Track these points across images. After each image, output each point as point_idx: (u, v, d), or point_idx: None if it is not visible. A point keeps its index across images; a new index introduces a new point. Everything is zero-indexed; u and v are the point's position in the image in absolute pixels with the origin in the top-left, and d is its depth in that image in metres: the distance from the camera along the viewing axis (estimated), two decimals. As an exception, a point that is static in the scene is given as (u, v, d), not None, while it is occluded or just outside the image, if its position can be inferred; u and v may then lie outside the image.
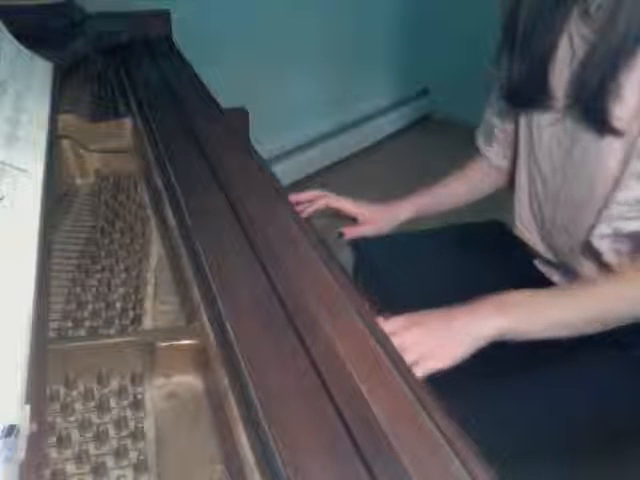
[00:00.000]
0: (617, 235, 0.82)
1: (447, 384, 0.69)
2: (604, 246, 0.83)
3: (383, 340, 0.52)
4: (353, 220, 1.05)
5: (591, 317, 0.76)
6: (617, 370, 0.83)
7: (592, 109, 0.80)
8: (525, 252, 1.02)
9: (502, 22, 0.92)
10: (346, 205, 1.03)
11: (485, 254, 1.07)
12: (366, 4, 2.93)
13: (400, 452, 0.40)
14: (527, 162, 0.98)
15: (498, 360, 0.72)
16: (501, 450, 0.51)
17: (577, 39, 0.84)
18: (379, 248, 1.09)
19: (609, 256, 0.83)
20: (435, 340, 0.68)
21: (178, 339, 0.54)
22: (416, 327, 0.68)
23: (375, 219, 1.05)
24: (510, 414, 0.77)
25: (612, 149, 0.80)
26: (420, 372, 0.65)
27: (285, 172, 2.47)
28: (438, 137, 3.18)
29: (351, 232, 1.04)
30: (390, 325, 0.67)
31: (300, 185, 2.65)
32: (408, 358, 0.65)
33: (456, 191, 1.10)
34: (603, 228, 0.82)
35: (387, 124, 3.27)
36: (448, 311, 0.72)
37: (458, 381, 0.70)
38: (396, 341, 0.64)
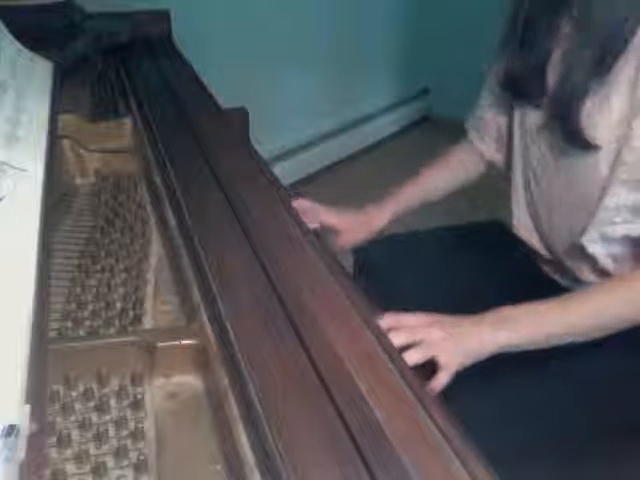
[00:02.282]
0: (606, 240, 0.82)
1: (447, 384, 0.70)
2: (598, 251, 0.83)
3: (383, 340, 0.52)
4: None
5: (591, 326, 0.76)
6: (616, 369, 0.83)
7: (569, 128, 0.81)
8: (526, 252, 1.02)
9: (507, 21, 0.92)
10: (324, 219, 0.99)
11: (486, 254, 1.07)
12: (366, 4, 2.93)
13: (400, 452, 0.40)
14: (522, 164, 0.98)
15: (498, 360, 0.73)
16: (501, 450, 0.51)
17: (567, 42, 0.84)
18: (379, 248, 1.08)
19: (605, 261, 0.83)
20: (452, 345, 0.70)
21: (178, 339, 0.54)
22: (438, 328, 0.70)
23: (351, 229, 1.02)
24: (510, 414, 0.77)
25: (602, 155, 0.80)
26: (447, 376, 0.69)
27: (285, 172, 2.46)
28: (438, 137, 3.16)
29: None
30: (414, 320, 0.70)
31: (300, 185, 2.65)
32: (426, 353, 0.68)
33: (437, 181, 1.10)
34: (592, 233, 0.83)
35: (387, 124, 3.27)
36: (456, 320, 0.73)
37: (458, 381, 0.70)
38: (419, 335, 0.68)
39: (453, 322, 0.73)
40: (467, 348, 0.71)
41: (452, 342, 0.70)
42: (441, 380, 0.69)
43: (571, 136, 0.81)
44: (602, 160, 0.80)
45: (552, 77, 0.87)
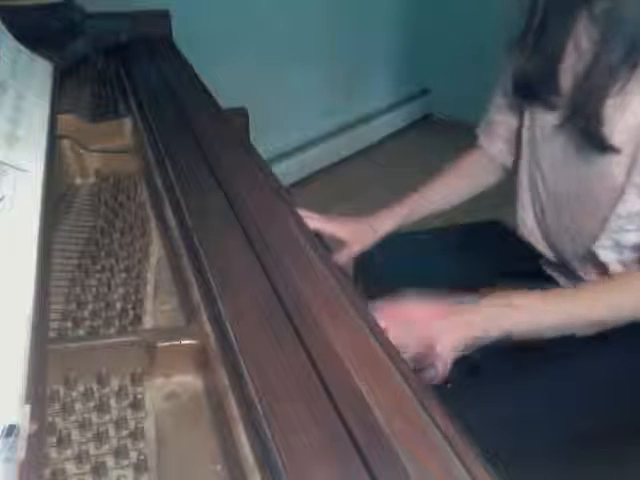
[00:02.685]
0: (618, 247, 0.81)
1: (448, 385, 0.70)
2: (609, 258, 0.82)
3: (383, 339, 0.52)
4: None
5: (593, 318, 0.76)
6: (616, 369, 0.83)
7: (589, 128, 0.79)
8: (528, 252, 1.02)
9: (523, 20, 0.92)
10: (324, 227, 0.95)
11: (487, 254, 1.06)
12: (366, 4, 2.93)
13: (400, 452, 0.40)
14: (529, 166, 0.97)
15: (498, 360, 0.72)
16: (501, 450, 0.51)
17: (585, 41, 0.83)
18: (379, 248, 1.08)
19: (615, 267, 0.83)
20: (451, 335, 0.69)
21: (178, 339, 0.54)
22: (437, 320, 0.69)
23: (355, 239, 1.00)
24: (510, 414, 0.77)
25: (618, 159, 0.79)
26: (446, 366, 0.68)
27: (285, 172, 2.46)
28: (438, 137, 3.17)
29: (340, 258, 0.99)
30: (412, 312, 0.69)
31: (300, 185, 2.65)
32: (426, 347, 0.67)
33: (460, 190, 1.09)
34: (603, 240, 0.82)
35: (387, 124, 3.27)
36: (456, 308, 0.72)
37: (458, 381, 0.70)
38: (417, 330, 0.67)
39: (453, 311, 0.72)
40: (467, 336, 0.70)
41: (452, 333, 0.69)
42: (441, 371, 0.68)
43: (590, 136, 0.80)
44: (617, 164, 0.79)
45: (568, 77, 0.86)
